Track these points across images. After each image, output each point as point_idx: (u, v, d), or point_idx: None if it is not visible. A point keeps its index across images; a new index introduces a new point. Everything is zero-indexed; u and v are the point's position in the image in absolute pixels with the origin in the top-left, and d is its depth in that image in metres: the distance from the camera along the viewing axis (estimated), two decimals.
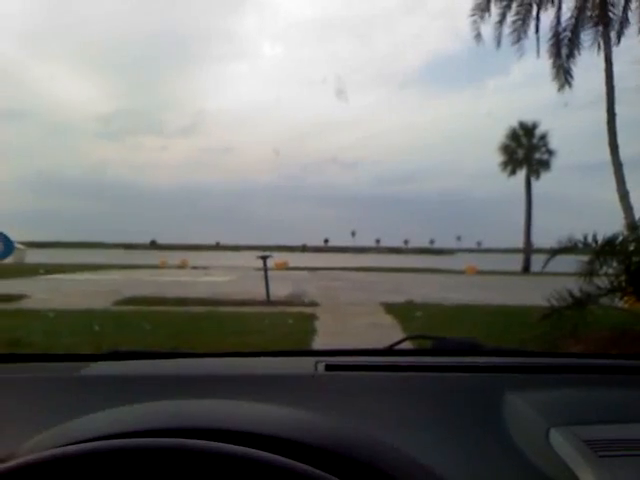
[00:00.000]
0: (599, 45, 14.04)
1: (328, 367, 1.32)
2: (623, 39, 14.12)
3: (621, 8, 14.08)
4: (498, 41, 14.99)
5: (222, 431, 0.80)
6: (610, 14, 13.90)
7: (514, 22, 14.85)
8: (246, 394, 1.14)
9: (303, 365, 1.37)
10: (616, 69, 13.33)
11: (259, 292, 14.65)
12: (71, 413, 0.94)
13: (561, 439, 0.97)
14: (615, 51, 13.80)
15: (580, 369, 1.42)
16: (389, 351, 1.60)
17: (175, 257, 43.85)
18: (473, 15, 14.96)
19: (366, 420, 1.06)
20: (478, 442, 1.02)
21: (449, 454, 0.98)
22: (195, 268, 33.05)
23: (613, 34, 13.98)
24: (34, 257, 35.59)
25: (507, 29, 14.90)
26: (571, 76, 14.80)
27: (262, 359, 1.56)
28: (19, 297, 13.76)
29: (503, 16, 14.88)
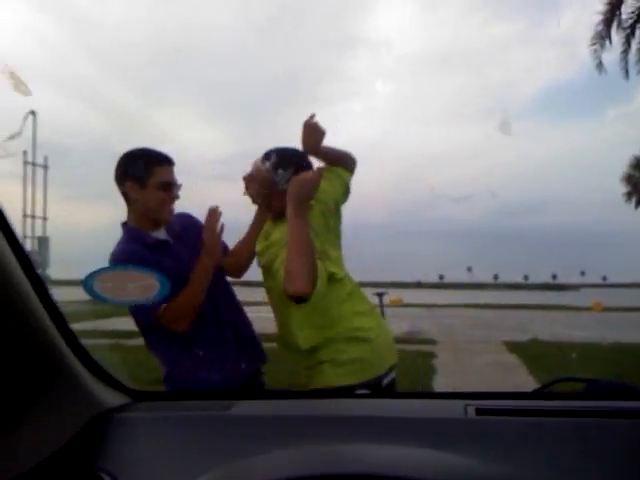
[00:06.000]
0: None
1: (479, 411, 1.23)
2: None
3: None
4: (626, 70, 14.50)
5: (380, 477, 0.85)
6: None
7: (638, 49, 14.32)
8: (393, 437, 1.13)
9: (452, 408, 1.30)
10: None
11: None
12: (222, 453, 1.03)
13: None
14: None
15: None
16: (538, 394, 1.53)
17: None
18: (593, 44, 14.52)
19: (517, 468, 1.02)
20: None
21: None
22: None
23: None
24: None
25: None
26: None
27: (405, 401, 1.53)
28: None
29: (627, 44, 14.35)
